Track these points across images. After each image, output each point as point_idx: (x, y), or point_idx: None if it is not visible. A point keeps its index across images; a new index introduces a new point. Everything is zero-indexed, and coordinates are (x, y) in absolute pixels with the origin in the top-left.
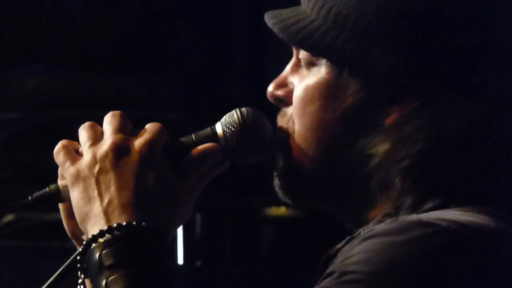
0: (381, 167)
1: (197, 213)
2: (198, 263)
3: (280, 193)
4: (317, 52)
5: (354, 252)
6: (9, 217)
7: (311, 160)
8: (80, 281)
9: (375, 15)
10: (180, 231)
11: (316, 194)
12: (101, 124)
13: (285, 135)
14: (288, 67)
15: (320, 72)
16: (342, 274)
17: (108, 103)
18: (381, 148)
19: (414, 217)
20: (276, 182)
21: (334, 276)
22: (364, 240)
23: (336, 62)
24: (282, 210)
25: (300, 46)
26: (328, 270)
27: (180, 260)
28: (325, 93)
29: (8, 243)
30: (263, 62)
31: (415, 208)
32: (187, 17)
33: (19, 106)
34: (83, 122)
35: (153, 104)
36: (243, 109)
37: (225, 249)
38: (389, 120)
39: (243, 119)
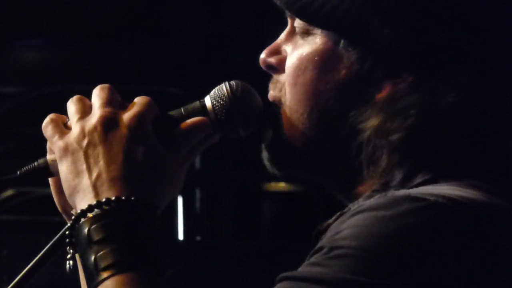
0: (370, 141)
1: (197, 188)
2: (198, 238)
3: (267, 164)
4: (315, 22)
5: (343, 227)
6: (8, 192)
7: (301, 131)
8: (69, 256)
9: None
10: (180, 206)
11: (304, 167)
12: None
13: (275, 107)
14: (283, 35)
15: (315, 41)
16: (331, 249)
17: (107, 76)
18: (371, 122)
19: (403, 192)
20: (264, 153)
21: (323, 251)
22: (353, 215)
23: (333, 33)
24: (281, 185)
25: (298, 15)
26: (317, 246)
27: (180, 235)
28: (319, 64)
29: (7, 217)
30: (262, 34)
31: (404, 183)
32: None
33: (18, 79)
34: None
35: (152, 78)
36: (232, 82)
37: (225, 224)
38: (382, 94)
39: (232, 92)
